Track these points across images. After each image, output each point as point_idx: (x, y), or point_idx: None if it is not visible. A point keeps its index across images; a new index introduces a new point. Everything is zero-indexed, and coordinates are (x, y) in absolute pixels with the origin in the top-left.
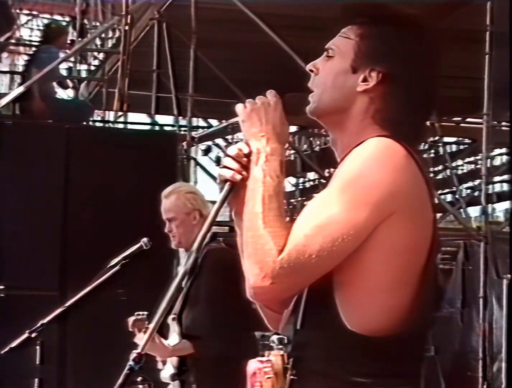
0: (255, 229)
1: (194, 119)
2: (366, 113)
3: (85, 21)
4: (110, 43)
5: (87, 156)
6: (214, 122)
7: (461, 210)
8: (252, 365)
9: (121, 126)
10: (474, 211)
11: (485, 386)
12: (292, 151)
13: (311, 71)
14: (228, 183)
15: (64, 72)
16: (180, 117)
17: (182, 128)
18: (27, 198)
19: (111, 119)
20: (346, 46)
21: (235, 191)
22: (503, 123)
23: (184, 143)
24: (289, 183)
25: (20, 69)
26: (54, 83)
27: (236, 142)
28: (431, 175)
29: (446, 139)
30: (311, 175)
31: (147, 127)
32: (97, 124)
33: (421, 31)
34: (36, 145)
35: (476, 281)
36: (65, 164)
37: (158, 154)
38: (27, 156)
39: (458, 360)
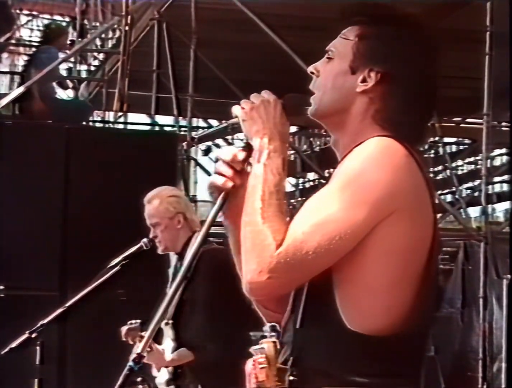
0: (254, 224)
1: (194, 120)
2: (366, 113)
3: (85, 21)
4: (110, 44)
5: (87, 157)
6: (214, 122)
7: (461, 210)
8: (250, 363)
9: (121, 126)
10: (474, 211)
11: (485, 386)
12: (292, 151)
13: (312, 73)
14: (222, 194)
15: (64, 73)
16: (180, 118)
17: (182, 129)
18: (27, 198)
19: (111, 119)
20: (345, 47)
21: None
22: (503, 123)
23: (184, 144)
24: (289, 183)
25: (20, 69)
26: (54, 84)
27: (240, 140)
28: (431, 175)
29: (446, 139)
30: (311, 175)
31: (147, 128)
32: (97, 124)
33: (420, 31)
34: (36, 145)
35: (476, 281)
36: (65, 164)
37: (158, 155)
38: (27, 156)
39: (458, 360)
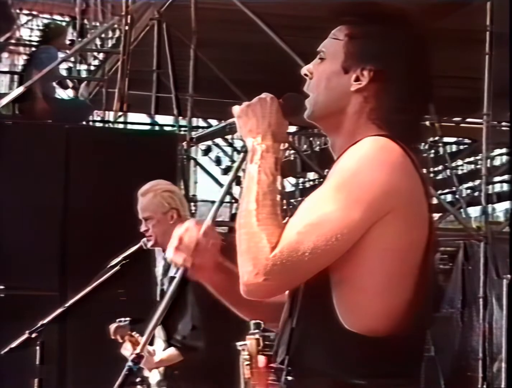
0: (249, 226)
1: (194, 119)
2: (362, 112)
3: (85, 21)
4: (110, 43)
5: (87, 156)
6: (214, 122)
7: (461, 210)
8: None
9: (121, 126)
10: (474, 211)
11: (485, 386)
12: (292, 151)
13: (306, 75)
14: (181, 269)
15: (64, 72)
16: (180, 117)
17: (182, 128)
18: (27, 198)
19: (111, 119)
20: (335, 48)
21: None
22: (503, 123)
23: (184, 143)
24: (289, 183)
25: (20, 69)
26: (54, 83)
27: (240, 140)
28: (431, 175)
29: (446, 139)
30: (311, 175)
31: (147, 127)
32: (97, 124)
33: (409, 26)
34: (36, 145)
35: (476, 281)
36: (65, 164)
37: (158, 154)
38: (27, 156)
39: (458, 360)
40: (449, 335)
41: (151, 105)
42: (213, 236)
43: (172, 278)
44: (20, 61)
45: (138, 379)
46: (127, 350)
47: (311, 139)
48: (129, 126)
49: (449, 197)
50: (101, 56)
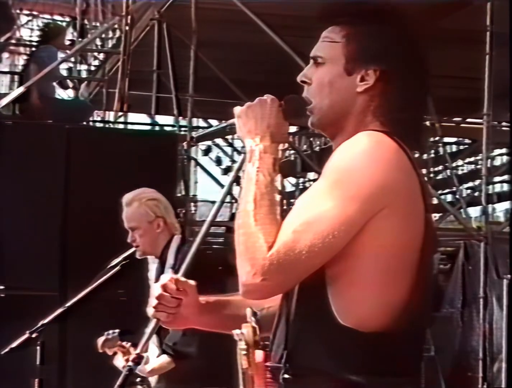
0: (246, 226)
1: (194, 119)
2: (367, 111)
3: (85, 21)
4: (110, 44)
5: (87, 156)
6: (214, 122)
7: (461, 210)
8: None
9: (121, 126)
10: (474, 211)
11: (485, 387)
12: (292, 151)
13: (303, 82)
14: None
15: (64, 72)
16: (180, 117)
17: (182, 129)
18: (27, 198)
19: (111, 119)
20: (334, 51)
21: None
22: (503, 123)
23: (184, 144)
24: (289, 183)
25: (20, 69)
26: (55, 83)
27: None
28: (432, 175)
29: (446, 139)
30: (311, 175)
31: (147, 128)
32: (97, 124)
33: (404, 22)
34: (36, 145)
35: (476, 281)
36: (65, 164)
37: (159, 154)
38: (27, 156)
39: (458, 360)
40: (449, 335)
41: (152, 105)
42: (187, 286)
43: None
44: (20, 61)
45: (138, 379)
46: (119, 361)
47: (311, 139)
48: (130, 126)
49: (449, 197)
50: (101, 56)
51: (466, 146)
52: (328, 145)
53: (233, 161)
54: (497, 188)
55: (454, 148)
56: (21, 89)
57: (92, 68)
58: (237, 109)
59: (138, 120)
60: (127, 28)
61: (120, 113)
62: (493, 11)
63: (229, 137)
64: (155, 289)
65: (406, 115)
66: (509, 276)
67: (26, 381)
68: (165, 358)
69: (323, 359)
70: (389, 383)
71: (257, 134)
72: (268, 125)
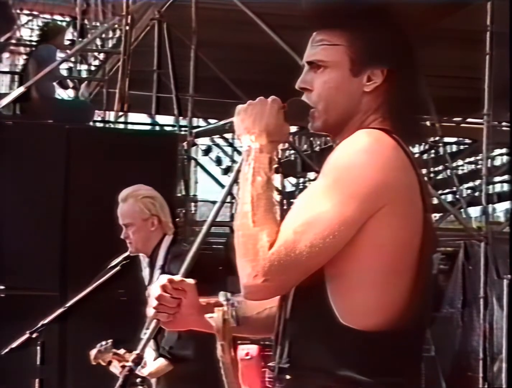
0: (245, 228)
1: (195, 119)
2: (371, 110)
3: (86, 21)
4: (110, 43)
5: (88, 156)
6: (214, 122)
7: (462, 210)
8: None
9: (121, 126)
10: (474, 211)
11: (485, 387)
12: (292, 151)
13: (304, 89)
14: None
15: (64, 72)
16: (181, 117)
17: (183, 128)
18: (27, 198)
19: (112, 119)
20: (337, 54)
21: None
22: (504, 123)
23: (185, 143)
24: (289, 183)
25: (20, 69)
26: (55, 83)
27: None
28: (432, 175)
29: (446, 139)
30: (311, 175)
31: (148, 127)
32: (98, 124)
33: (404, 22)
34: (36, 145)
35: (477, 281)
36: (65, 164)
37: (158, 154)
38: (27, 156)
39: (458, 360)
40: (449, 335)
41: (152, 105)
42: (186, 285)
43: (151, 277)
44: (21, 61)
45: (138, 380)
46: (115, 368)
47: (311, 139)
48: (130, 126)
49: (449, 197)
50: (101, 56)
51: (466, 146)
52: (328, 145)
53: (233, 161)
54: (497, 188)
55: (454, 148)
56: (21, 89)
57: (92, 68)
58: (238, 107)
59: (138, 120)
60: (127, 28)
61: (121, 113)
62: (493, 11)
63: (229, 137)
64: (154, 290)
65: (409, 111)
66: (509, 276)
67: (26, 381)
68: (162, 361)
69: (323, 358)
70: (389, 383)
71: (254, 132)
72: (267, 123)
